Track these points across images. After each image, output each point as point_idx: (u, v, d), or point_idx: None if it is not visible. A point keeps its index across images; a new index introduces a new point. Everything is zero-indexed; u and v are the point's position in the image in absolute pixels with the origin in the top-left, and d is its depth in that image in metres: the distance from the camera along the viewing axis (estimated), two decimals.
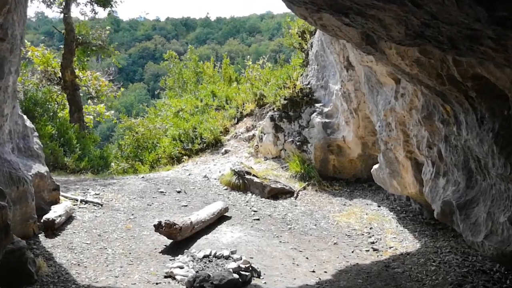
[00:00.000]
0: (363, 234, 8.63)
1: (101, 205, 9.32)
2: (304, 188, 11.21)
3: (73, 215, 8.51)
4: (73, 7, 18.12)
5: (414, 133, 7.99)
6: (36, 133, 8.70)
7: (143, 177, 11.86)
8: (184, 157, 15.06)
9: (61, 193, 9.52)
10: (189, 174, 12.41)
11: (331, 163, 11.89)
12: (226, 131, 15.93)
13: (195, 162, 14.21)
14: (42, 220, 7.59)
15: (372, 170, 9.80)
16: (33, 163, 8.11)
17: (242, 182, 10.88)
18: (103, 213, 8.87)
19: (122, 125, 20.97)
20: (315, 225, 8.98)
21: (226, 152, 14.39)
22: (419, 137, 7.85)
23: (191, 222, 7.64)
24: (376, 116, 9.35)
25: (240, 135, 15.33)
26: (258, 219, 9.01)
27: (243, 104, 16.38)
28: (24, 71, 16.72)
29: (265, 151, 13.16)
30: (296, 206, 10.12)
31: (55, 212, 7.87)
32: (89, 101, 20.08)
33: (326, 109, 11.81)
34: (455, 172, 6.50)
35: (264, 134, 13.14)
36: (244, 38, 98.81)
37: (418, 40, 3.89)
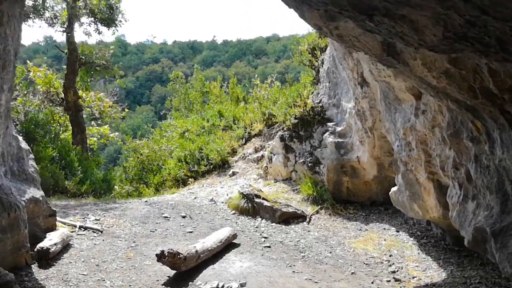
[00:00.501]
0: (382, 262, 8.03)
1: (101, 231, 8.80)
2: (317, 212, 10.64)
3: (71, 242, 7.98)
4: (76, 26, 17.89)
5: (437, 153, 7.45)
6: (31, 155, 8.23)
7: (146, 201, 11.35)
8: (190, 179, 14.57)
9: (59, 219, 9.03)
10: (195, 198, 11.89)
11: (345, 185, 11.34)
12: (233, 152, 15.45)
13: (202, 185, 13.69)
14: (35, 249, 7.06)
15: (390, 192, 9.23)
16: (27, 187, 7.63)
17: (251, 206, 10.34)
18: (103, 240, 8.33)
19: (127, 146, 20.56)
20: (330, 252, 8.39)
21: (233, 174, 13.88)
22: (443, 157, 7.31)
23: (196, 251, 7.09)
24: (394, 135, 8.82)
25: (248, 156, 14.83)
26: (269, 246, 8.43)
27: (251, 124, 15.94)
28: (25, 92, 16.40)
29: (275, 173, 12.64)
30: (309, 231, 9.55)
31: (50, 240, 7.35)
32: (92, 122, 19.70)
33: (339, 128, 11.30)
34: (487, 195, 5.93)
35: (274, 155, 12.63)
36: (251, 60, 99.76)
37: (458, 44, 3.39)
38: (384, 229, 9.69)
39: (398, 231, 9.45)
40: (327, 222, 10.17)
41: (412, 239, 9.02)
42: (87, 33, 18.28)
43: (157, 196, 13.17)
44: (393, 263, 7.98)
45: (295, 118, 12.00)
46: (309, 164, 11.53)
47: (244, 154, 15.07)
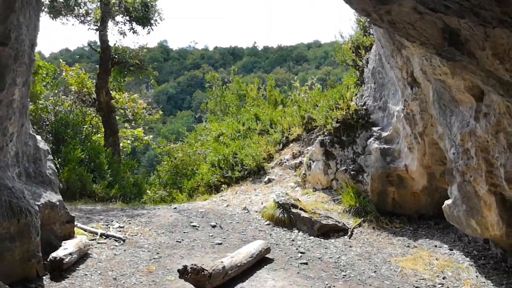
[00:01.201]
0: (435, 286, 7.15)
1: (123, 240, 8.24)
2: (360, 225, 9.81)
3: (89, 252, 7.45)
4: (111, 26, 17.63)
5: (501, 162, 6.56)
6: (50, 156, 7.76)
7: (175, 208, 10.77)
8: (223, 185, 13.95)
9: (80, 225, 8.55)
10: (227, 206, 11.25)
11: (390, 196, 10.46)
12: (270, 158, 14.75)
13: (235, 192, 13.04)
14: (48, 259, 6.53)
15: (444, 206, 8.34)
16: (43, 190, 7.14)
17: (287, 217, 9.60)
18: (124, 250, 7.77)
19: (160, 150, 20.20)
20: (375, 272, 7.57)
21: (269, 181, 13.18)
22: (508, 167, 6.41)
23: (223, 267, 6.41)
24: (449, 141, 7.95)
25: (285, 162, 14.11)
26: (306, 263, 7.67)
27: (289, 129, 15.23)
28: (56, 91, 16.17)
29: (313, 181, 11.86)
30: (350, 247, 8.74)
31: (65, 250, 6.82)
32: (126, 124, 19.38)
33: (384, 134, 10.44)
34: None
35: (313, 162, 11.87)
36: (291, 66, 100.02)
37: None
38: (435, 246, 8.78)
39: (451, 250, 8.52)
40: (370, 237, 9.33)
41: (468, 259, 8.09)
42: (121, 32, 18.01)
43: (187, 202, 12.59)
44: (448, 287, 7.09)
45: (337, 122, 11.21)
46: (352, 172, 10.71)
47: (281, 160, 14.35)
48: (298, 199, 10.17)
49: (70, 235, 7.57)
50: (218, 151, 15.13)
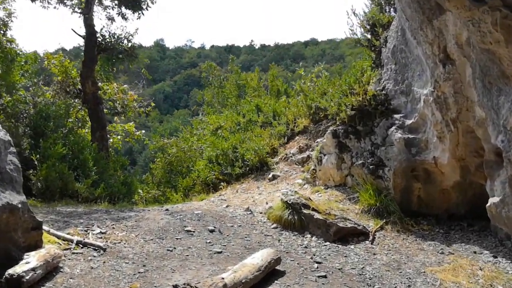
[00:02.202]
0: None
1: (104, 249, 6.97)
2: (382, 228, 8.55)
3: (60, 265, 6.16)
4: (99, 10, 16.34)
5: None
6: (13, 149, 6.45)
7: (167, 210, 9.48)
8: (222, 183, 12.73)
9: (54, 232, 7.29)
10: (227, 206, 9.98)
11: (415, 194, 9.21)
12: (274, 152, 13.51)
13: (235, 190, 11.80)
14: (3, 277, 5.26)
15: (488, 205, 7.12)
16: (1, 190, 5.85)
17: (297, 219, 8.32)
18: (104, 262, 6.49)
19: (153, 146, 18.99)
20: (409, 286, 6.31)
21: (274, 177, 11.93)
22: None
23: (224, 285, 5.14)
24: (495, 126, 6.72)
25: (291, 156, 12.86)
26: (325, 276, 6.40)
27: (295, 120, 14.00)
28: (35, 81, 14.87)
29: (325, 177, 10.60)
30: (374, 254, 7.47)
31: (27, 264, 5.54)
32: (115, 118, 18.07)
33: (408, 121, 9.18)
34: None
35: (324, 155, 10.61)
36: (288, 64, 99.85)
37: None
38: (475, 252, 7.53)
39: (495, 257, 7.27)
40: (396, 242, 8.07)
41: None
42: (109, 17, 16.71)
43: (182, 203, 11.32)
44: None
45: (352, 109, 9.94)
46: (370, 167, 9.44)
47: (286, 154, 13.09)
48: (309, 198, 8.88)
49: (36, 245, 6.29)
50: (216, 145, 13.86)
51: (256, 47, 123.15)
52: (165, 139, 18.90)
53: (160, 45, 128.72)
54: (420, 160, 8.93)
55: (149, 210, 9.87)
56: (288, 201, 8.56)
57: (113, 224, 8.32)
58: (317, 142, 11.79)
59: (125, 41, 15.66)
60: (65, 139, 13.09)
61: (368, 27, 10.98)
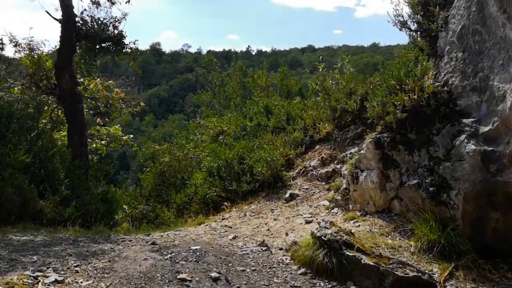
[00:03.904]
0: None
1: None
2: (451, 276, 6.31)
3: None
4: None
5: None
6: None
7: (153, 244, 7.18)
8: (225, 202, 10.46)
9: None
10: (234, 238, 7.74)
11: (491, 226, 6.95)
12: (289, 164, 11.35)
13: (243, 213, 9.58)
14: None
15: None
16: None
17: (336, 263, 6.05)
18: None
19: (142, 153, 16.78)
20: None
21: (292, 197, 9.73)
22: None
23: None
24: None
25: (311, 170, 10.67)
26: None
27: (314, 125, 11.77)
28: None
29: (362, 200, 8.37)
30: None
31: None
32: (98, 119, 15.77)
33: (484, 128, 6.93)
34: None
35: (362, 171, 8.37)
36: (285, 70, 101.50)
37: None
38: None
39: None
40: None
41: None
42: (94, 1, 14.39)
43: (174, 229, 9.03)
44: None
45: (403, 111, 7.69)
46: (429, 189, 7.19)
47: (305, 167, 10.89)
48: (351, 233, 6.62)
49: None
50: (218, 154, 11.59)
51: (253, 53, 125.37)
52: (156, 145, 16.71)
53: (156, 49, 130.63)
54: (501, 181, 6.67)
55: (130, 241, 7.63)
56: (322, 237, 6.30)
57: (77, 265, 6.08)
58: (349, 153, 9.55)
59: (111, 27, 13.40)
60: (31, 144, 10.81)
61: (419, 6, 8.75)
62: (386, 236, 7.27)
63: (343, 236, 6.26)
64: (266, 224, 8.52)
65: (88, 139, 15.09)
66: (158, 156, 15.42)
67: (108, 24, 13.45)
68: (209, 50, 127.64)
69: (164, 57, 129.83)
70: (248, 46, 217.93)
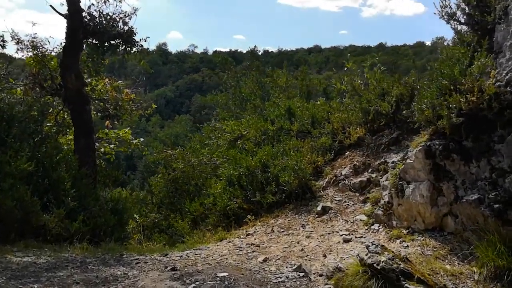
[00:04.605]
0: None
1: None
2: None
3: None
4: None
5: None
6: None
7: (173, 270, 6.28)
8: (248, 215, 9.54)
9: None
10: (264, 260, 6.85)
11: None
12: (317, 172, 10.43)
13: (270, 228, 8.69)
14: None
15: None
16: None
17: None
18: None
19: (154, 158, 15.96)
20: None
21: (324, 211, 8.83)
22: None
23: None
24: None
25: (343, 179, 9.77)
26: None
27: (343, 129, 10.86)
28: None
29: (408, 215, 7.43)
30: None
31: None
32: (107, 122, 14.89)
33: None
34: None
35: (408, 183, 7.44)
36: (292, 71, 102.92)
37: None
38: None
39: None
40: None
41: None
42: None
43: (193, 248, 8.11)
44: None
45: (459, 115, 6.76)
46: (493, 205, 6.27)
47: (335, 176, 9.98)
48: (406, 259, 5.68)
49: None
50: (238, 161, 10.68)
51: (259, 53, 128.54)
52: (168, 149, 15.85)
53: (162, 49, 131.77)
54: None
55: (145, 263, 6.76)
56: (374, 265, 5.38)
57: None
58: (391, 161, 8.59)
59: (120, 23, 12.53)
60: (34, 150, 9.97)
61: None
62: (442, 260, 6.33)
63: (400, 264, 5.35)
64: (298, 242, 7.61)
65: (96, 143, 14.25)
66: (171, 162, 14.56)
67: (118, 19, 12.56)
68: (215, 51, 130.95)
69: (170, 58, 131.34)
70: (255, 46, 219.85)
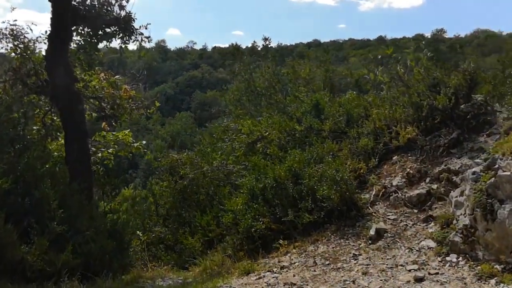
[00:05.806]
0: None
1: None
2: None
3: None
4: None
5: None
6: None
7: None
8: (279, 239, 7.83)
9: None
10: None
11: None
12: (360, 182, 8.67)
13: (310, 259, 6.99)
14: None
15: None
16: None
17: None
18: None
19: (157, 163, 14.41)
20: None
21: (379, 234, 7.08)
22: None
23: None
24: None
25: (395, 192, 8.06)
26: None
27: (389, 128, 9.16)
28: None
29: (503, 245, 5.72)
30: None
31: None
32: (103, 124, 13.27)
33: None
34: None
35: (502, 203, 5.72)
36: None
37: None
38: None
39: None
40: None
41: None
42: None
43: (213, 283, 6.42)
44: None
45: None
46: None
47: (385, 187, 8.26)
48: None
49: None
50: (262, 169, 8.96)
51: (259, 49, 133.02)
52: (173, 153, 14.30)
53: (161, 46, 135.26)
54: None
55: None
56: None
57: None
58: (473, 171, 6.82)
59: (116, 7, 10.85)
60: (13, 162, 8.33)
61: None
62: None
63: None
64: (354, 282, 5.89)
65: (92, 148, 12.66)
66: (178, 168, 12.94)
67: (113, 2, 10.88)
68: (215, 47, 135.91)
69: (169, 55, 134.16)
70: (254, 41, 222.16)
